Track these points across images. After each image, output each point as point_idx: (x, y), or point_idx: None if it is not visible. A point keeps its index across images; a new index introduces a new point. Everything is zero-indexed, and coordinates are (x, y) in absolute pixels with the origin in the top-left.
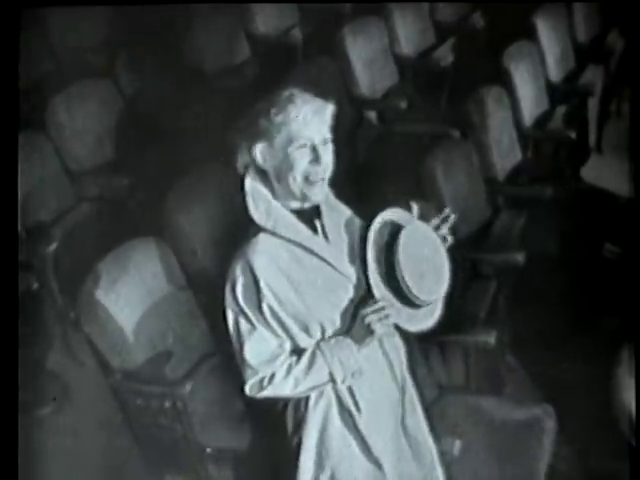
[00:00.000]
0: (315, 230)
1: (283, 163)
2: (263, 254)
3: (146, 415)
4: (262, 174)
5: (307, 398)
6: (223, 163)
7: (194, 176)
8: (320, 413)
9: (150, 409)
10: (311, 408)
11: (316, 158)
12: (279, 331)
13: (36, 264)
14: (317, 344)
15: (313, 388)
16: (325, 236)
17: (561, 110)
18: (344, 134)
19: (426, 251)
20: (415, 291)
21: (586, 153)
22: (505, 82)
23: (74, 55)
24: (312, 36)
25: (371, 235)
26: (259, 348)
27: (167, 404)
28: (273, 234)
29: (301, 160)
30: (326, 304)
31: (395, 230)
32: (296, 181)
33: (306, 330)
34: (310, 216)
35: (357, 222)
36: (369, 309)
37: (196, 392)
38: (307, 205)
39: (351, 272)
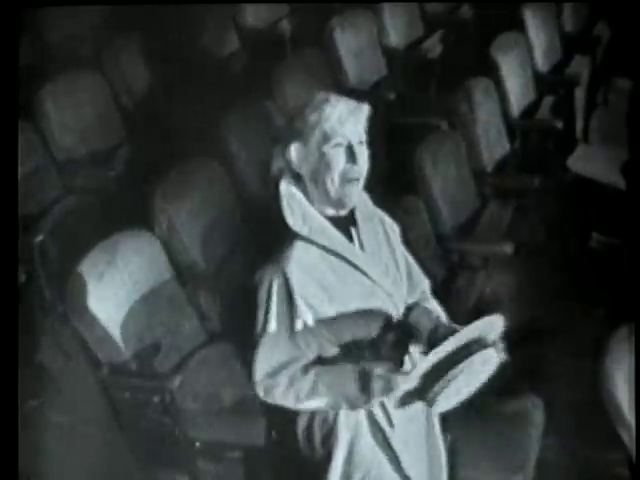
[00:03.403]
0: (351, 238)
1: (319, 163)
2: (299, 264)
3: (135, 409)
4: (296, 178)
5: (336, 416)
6: (212, 156)
7: (183, 169)
8: (351, 428)
9: (139, 403)
10: (342, 423)
11: (352, 158)
12: (304, 346)
13: (23, 256)
14: (324, 369)
15: (316, 409)
16: (361, 245)
17: (548, 100)
18: None
19: (477, 373)
20: (441, 399)
21: (573, 143)
22: (493, 73)
23: (61, 46)
24: (301, 28)
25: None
26: (270, 359)
27: (156, 398)
28: (309, 241)
29: (338, 159)
30: (360, 314)
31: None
32: (334, 182)
33: (339, 340)
34: (346, 224)
35: (396, 230)
36: (382, 376)
37: (185, 386)
38: (342, 212)
39: (386, 283)
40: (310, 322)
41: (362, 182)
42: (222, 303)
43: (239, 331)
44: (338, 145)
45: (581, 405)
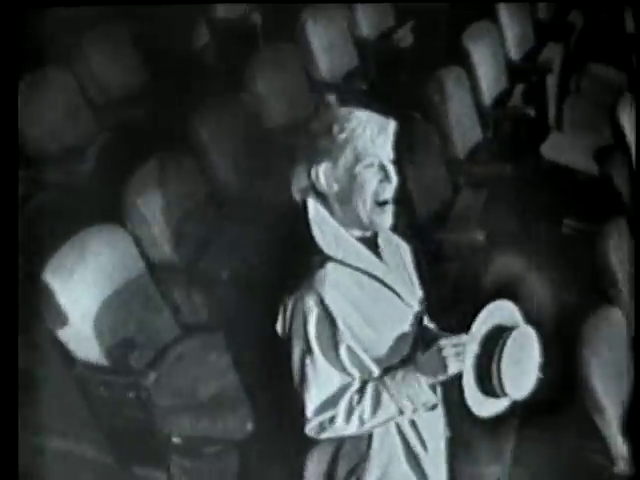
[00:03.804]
0: (380, 257)
1: (350, 185)
2: (335, 288)
3: (110, 406)
4: (321, 198)
5: (370, 439)
6: (183, 150)
7: (154, 163)
8: (385, 454)
9: (114, 400)
10: (376, 450)
11: (386, 177)
12: (351, 369)
13: None
14: (381, 380)
15: (381, 424)
16: (387, 265)
17: (520, 88)
18: (304, 119)
19: (524, 355)
20: (507, 389)
21: (546, 130)
22: (465, 62)
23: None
24: (272, 20)
25: (480, 321)
26: (321, 392)
27: (131, 394)
28: (341, 263)
29: (372, 180)
30: (394, 334)
31: (500, 327)
32: (366, 205)
33: (378, 362)
34: (370, 244)
35: (407, 249)
36: (448, 341)
37: (161, 381)
38: (368, 233)
39: (413, 300)
40: (354, 345)
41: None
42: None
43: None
44: (370, 165)
45: (556, 393)
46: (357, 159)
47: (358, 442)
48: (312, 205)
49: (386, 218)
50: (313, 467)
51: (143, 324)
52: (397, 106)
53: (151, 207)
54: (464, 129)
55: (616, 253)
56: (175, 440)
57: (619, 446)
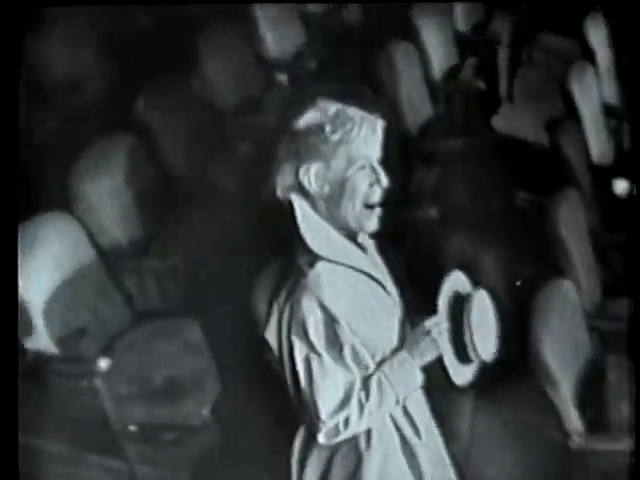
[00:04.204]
0: (364, 251)
1: (342, 187)
2: (331, 287)
3: (64, 395)
4: (308, 197)
5: (369, 435)
6: (130, 133)
7: (100, 147)
8: (383, 450)
9: (67, 389)
10: (375, 446)
11: (377, 179)
12: (354, 368)
13: None
14: (381, 371)
15: (382, 415)
16: (373, 259)
17: (471, 61)
18: (254, 99)
19: (487, 315)
20: (480, 351)
21: (497, 103)
22: (414, 37)
23: None
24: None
25: (446, 285)
26: (332, 393)
27: (84, 383)
28: (331, 262)
29: (363, 183)
30: (387, 328)
31: (459, 293)
32: (355, 208)
33: (374, 358)
34: (355, 240)
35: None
36: (433, 322)
37: (114, 369)
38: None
39: (395, 292)
40: (356, 344)
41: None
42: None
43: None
44: (362, 168)
45: (511, 367)
46: (350, 162)
47: (356, 442)
48: (298, 204)
49: (373, 221)
50: (307, 475)
51: (95, 312)
52: (347, 83)
53: (99, 193)
54: (415, 105)
55: (567, 224)
56: (131, 428)
57: (574, 421)
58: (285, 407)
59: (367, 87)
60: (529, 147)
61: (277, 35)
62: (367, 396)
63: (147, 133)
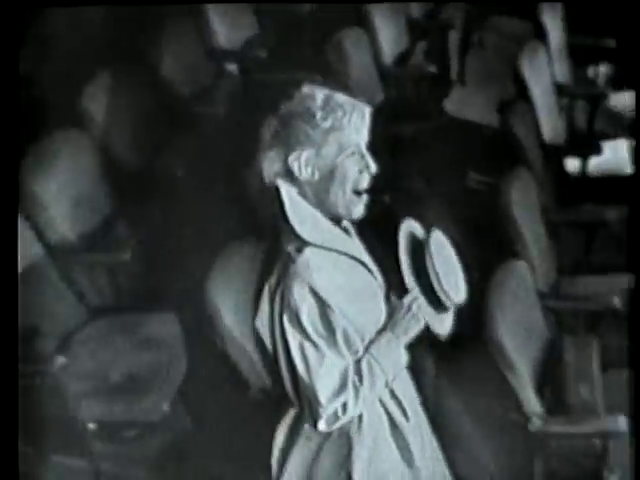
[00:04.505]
0: (349, 235)
1: (332, 174)
2: (320, 272)
3: (22, 395)
4: (296, 182)
5: (359, 420)
6: (76, 127)
7: (46, 142)
8: (373, 434)
9: (24, 388)
10: (365, 430)
11: (366, 165)
12: (346, 352)
13: None
14: (370, 354)
15: (373, 397)
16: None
17: (422, 46)
18: (204, 89)
19: (449, 256)
20: (451, 294)
21: (449, 86)
22: (364, 23)
23: None
24: None
25: (401, 236)
26: (329, 379)
27: (38, 381)
28: (319, 247)
29: (352, 170)
30: (375, 311)
31: (416, 238)
32: (345, 194)
33: (363, 341)
34: (338, 222)
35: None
36: (411, 298)
37: (69, 367)
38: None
39: (380, 275)
40: (348, 328)
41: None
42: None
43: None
44: (351, 154)
45: (469, 350)
46: (340, 149)
47: (347, 427)
48: (285, 190)
49: (359, 208)
50: (292, 463)
51: (47, 309)
52: (298, 71)
53: (45, 188)
54: (366, 90)
55: (519, 204)
56: (91, 426)
57: (532, 403)
58: (246, 400)
59: (318, 74)
60: (481, 129)
61: (228, 25)
62: (360, 380)
63: (95, 126)
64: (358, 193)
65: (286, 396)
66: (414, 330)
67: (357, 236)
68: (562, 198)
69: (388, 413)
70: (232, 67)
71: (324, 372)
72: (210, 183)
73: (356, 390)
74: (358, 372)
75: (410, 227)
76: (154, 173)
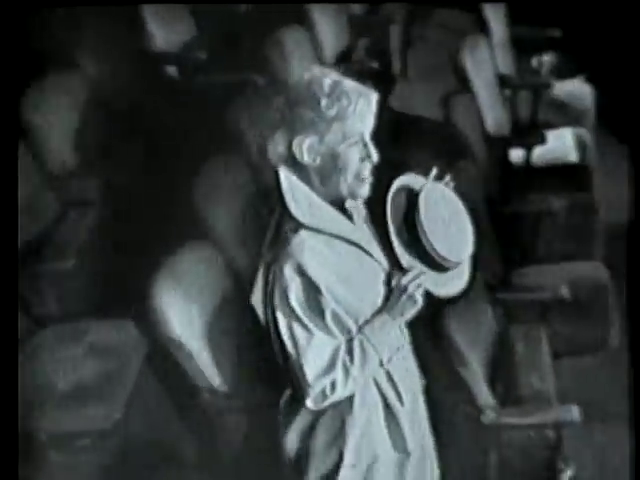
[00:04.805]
0: (351, 218)
1: (334, 162)
2: (313, 255)
3: None
4: (299, 167)
5: (352, 400)
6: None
7: None
8: (365, 415)
9: None
10: (357, 410)
11: (368, 154)
12: (337, 333)
13: None
14: (363, 334)
15: (366, 378)
16: (357, 225)
17: (364, 42)
18: (143, 94)
19: (447, 212)
20: (444, 253)
21: (392, 81)
22: (305, 21)
23: None
24: None
25: (388, 204)
26: (318, 358)
27: None
28: (315, 230)
29: (354, 158)
30: (371, 294)
31: (411, 195)
32: (347, 181)
33: (356, 320)
34: (342, 205)
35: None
36: (408, 278)
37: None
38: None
39: (382, 256)
40: (337, 309)
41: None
42: None
43: None
44: (354, 143)
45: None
46: (344, 137)
47: (340, 406)
48: (284, 174)
49: (365, 189)
50: (289, 438)
51: None
52: (239, 71)
53: None
54: None
55: (464, 197)
56: (44, 437)
57: (485, 396)
58: (198, 405)
59: (259, 75)
60: (425, 123)
61: (165, 28)
62: (351, 360)
63: (32, 135)
64: (360, 179)
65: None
66: (410, 311)
67: (366, 221)
68: (507, 189)
69: (383, 395)
70: (171, 70)
71: (312, 351)
72: (157, 188)
73: (346, 370)
74: (350, 351)
75: (404, 183)
76: (96, 181)
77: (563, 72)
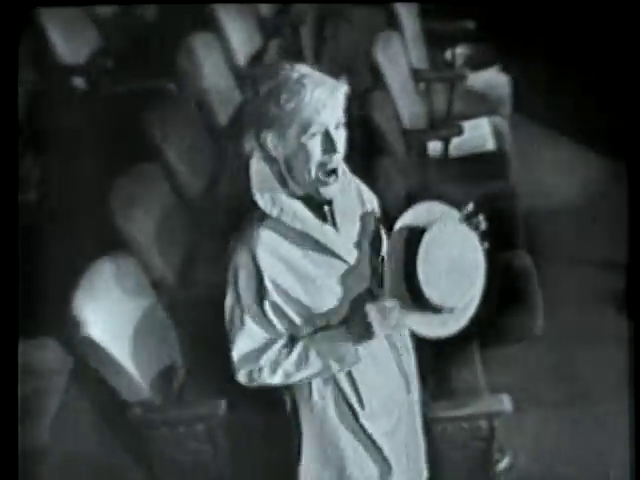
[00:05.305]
0: (324, 218)
1: (296, 153)
2: (267, 245)
3: None
4: (270, 159)
5: (310, 396)
6: None
7: None
8: (320, 411)
9: None
10: (314, 401)
11: (331, 145)
12: (278, 326)
13: None
14: (313, 338)
15: (308, 378)
16: (334, 224)
17: (275, 43)
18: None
19: (456, 253)
20: (434, 299)
21: None
22: (213, 26)
23: None
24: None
25: (393, 235)
26: (246, 343)
27: None
28: (278, 222)
29: (316, 149)
30: (331, 295)
31: (417, 231)
32: (310, 174)
33: (311, 322)
34: (320, 202)
35: (373, 201)
36: (374, 307)
37: None
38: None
39: (354, 259)
40: (279, 302)
41: (340, 168)
42: None
43: None
44: (314, 135)
45: None
46: (304, 129)
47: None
48: (254, 165)
49: (331, 190)
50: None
51: None
52: (149, 79)
53: None
54: (222, 94)
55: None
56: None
57: None
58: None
59: (170, 81)
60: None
61: (69, 42)
62: (287, 355)
63: None
64: (327, 173)
65: None
66: (365, 339)
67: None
68: (426, 182)
69: (345, 399)
70: (78, 81)
71: (243, 334)
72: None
73: (276, 362)
74: (289, 347)
75: (411, 219)
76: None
77: (477, 63)
